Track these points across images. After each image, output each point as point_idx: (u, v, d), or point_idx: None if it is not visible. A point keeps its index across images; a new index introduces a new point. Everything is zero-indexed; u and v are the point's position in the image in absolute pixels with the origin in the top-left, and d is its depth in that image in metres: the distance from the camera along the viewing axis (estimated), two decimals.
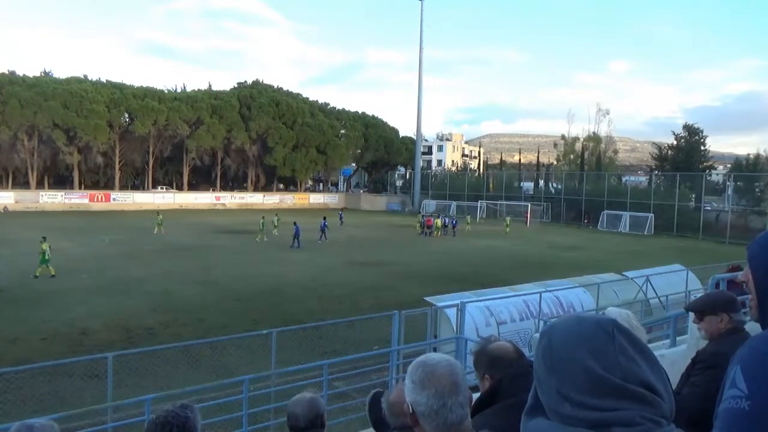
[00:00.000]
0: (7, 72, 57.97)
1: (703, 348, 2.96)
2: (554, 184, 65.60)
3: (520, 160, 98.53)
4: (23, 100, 55.23)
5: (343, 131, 77.73)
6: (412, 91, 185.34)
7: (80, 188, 62.40)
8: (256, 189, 73.89)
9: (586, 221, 52.72)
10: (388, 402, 2.35)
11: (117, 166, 64.71)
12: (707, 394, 1.88)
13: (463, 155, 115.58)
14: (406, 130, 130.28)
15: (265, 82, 76.39)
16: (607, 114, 71.51)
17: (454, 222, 43.15)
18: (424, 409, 1.38)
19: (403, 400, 1.48)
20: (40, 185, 61.60)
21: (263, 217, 35.41)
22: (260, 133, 69.61)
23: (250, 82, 76.42)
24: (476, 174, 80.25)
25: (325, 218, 34.50)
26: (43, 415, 6.97)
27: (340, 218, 43.64)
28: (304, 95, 78.16)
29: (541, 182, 68.86)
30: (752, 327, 2.58)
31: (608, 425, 0.97)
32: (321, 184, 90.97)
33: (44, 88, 57.01)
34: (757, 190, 49.46)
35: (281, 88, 76.36)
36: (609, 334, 1.04)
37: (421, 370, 1.44)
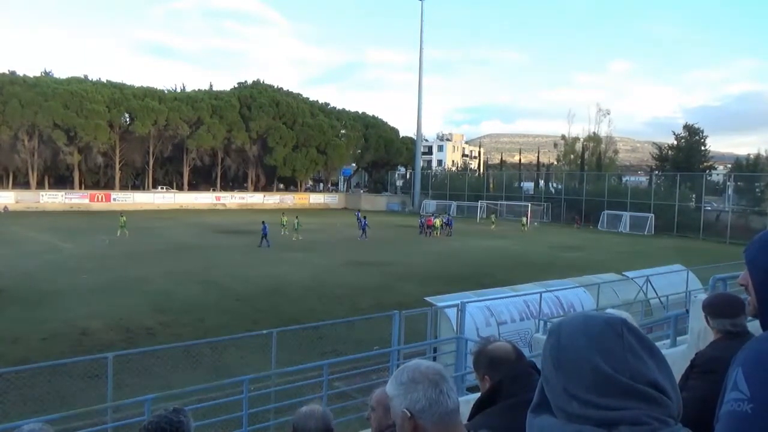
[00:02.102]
0: (7, 72, 57.98)
1: (701, 351, 2.95)
2: (554, 184, 65.47)
3: (520, 160, 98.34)
4: (23, 100, 55.24)
5: (343, 131, 77.70)
6: (412, 91, 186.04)
7: (80, 188, 62.41)
8: (256, 189, 73.86)
9: (577, 224, 52.30)
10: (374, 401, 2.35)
11: (117, 166, 64.69)
12: (704, 398, 1.86)
13: (464, 155, 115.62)
14: (406, 130, 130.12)
15: (265, 82, 76.32)
16: (608, 114, 71.33)
17: (450, 221, 43.06)
18: (424, 402, 1.38)
19: (394, 412, 1.44)
20: (40, 185, 61.59)
21: (297, 217, 36.35)
22: (260, 133, 69.60)
23: (250, 82, 76.35)
24: (476, 174, 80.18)
25: (365, 217, 37.28)
26: (43, 415, 7.00)
27: (357, 218, 43.86)
28: (304, 95, 78.21)
29: (542, 182, 68.75)
30: (753, 328, 2.56)
31: (615, 424, 0.97)
32: (321, 184, 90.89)
33: (44, 88, 57.02)
34: (757, 190, 49.40)
35: (281, 88, 76.31)
36: (618, 333, 1.03)
37: (407, 372, 1.44)
